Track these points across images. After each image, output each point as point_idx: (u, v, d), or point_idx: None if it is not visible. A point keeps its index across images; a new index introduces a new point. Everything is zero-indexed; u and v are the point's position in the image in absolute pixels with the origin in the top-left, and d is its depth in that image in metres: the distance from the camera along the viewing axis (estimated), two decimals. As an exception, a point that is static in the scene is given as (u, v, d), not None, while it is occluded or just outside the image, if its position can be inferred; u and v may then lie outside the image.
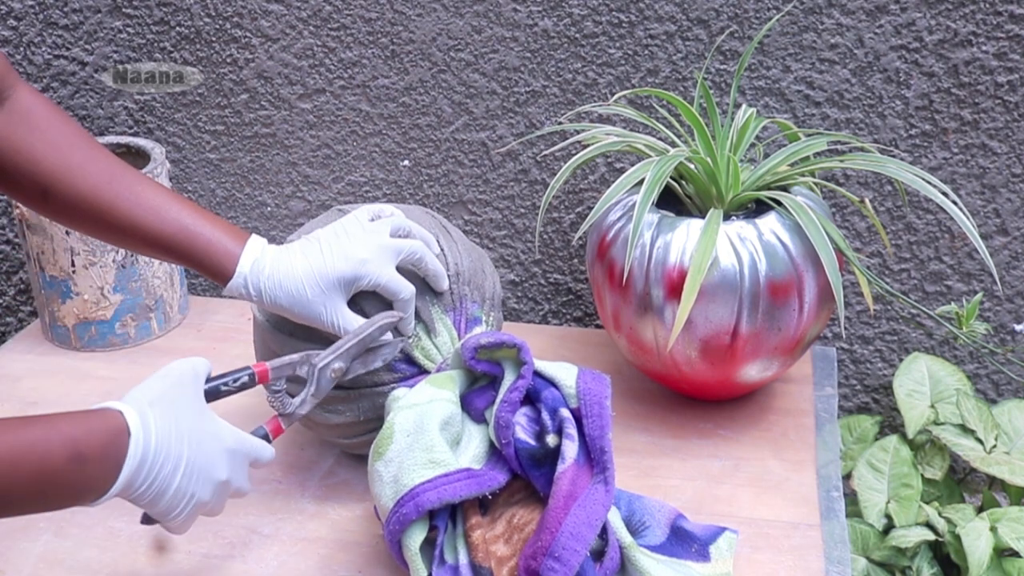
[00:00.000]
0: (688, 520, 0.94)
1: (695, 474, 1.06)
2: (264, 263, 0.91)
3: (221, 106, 1.40)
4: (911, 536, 1.13)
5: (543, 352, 1.28)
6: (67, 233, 1.24)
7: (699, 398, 1.16)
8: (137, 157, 1.34)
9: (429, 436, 0.86)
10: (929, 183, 1.05)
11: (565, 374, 0.90)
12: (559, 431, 0.87)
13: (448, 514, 0.87)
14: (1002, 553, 1.16)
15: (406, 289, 0.93)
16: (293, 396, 0.91)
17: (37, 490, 0.70)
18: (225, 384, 0.86)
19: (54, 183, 0.88)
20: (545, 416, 0.88)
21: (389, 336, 0.94)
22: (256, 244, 0.92)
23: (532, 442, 0.88)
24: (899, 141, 1.25)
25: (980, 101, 1.22)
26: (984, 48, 1.19)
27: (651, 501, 0.95)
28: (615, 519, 0.88)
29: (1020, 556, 1.13)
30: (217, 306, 1.42)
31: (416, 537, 0.85)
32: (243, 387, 0.88)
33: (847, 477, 1.21)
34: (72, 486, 0.72)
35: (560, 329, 1.37)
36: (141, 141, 1.35)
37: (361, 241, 0.92)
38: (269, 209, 1.44)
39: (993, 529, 1.12)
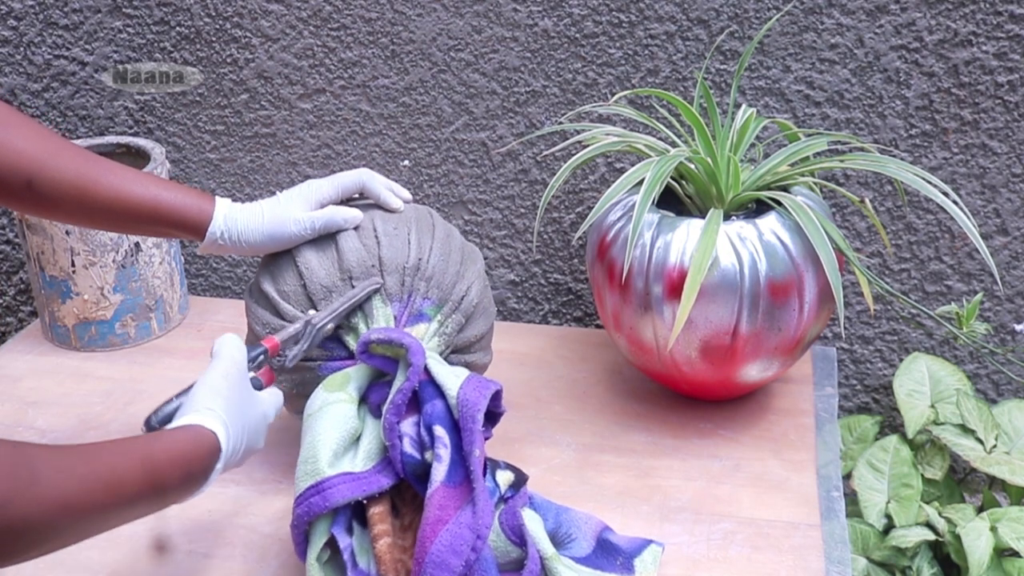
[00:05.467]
0: (615, 533, 0.94)
1: (695, 474, 1.06)
2: (235, 213, 0.99)
3: (221, 106, 1.40)
4: (911, 536, 1.13)
5: (543, 352, 1.28)
6: (67, 233, 1.24)
7: (699, 398, 1.16)
8: (137, 157, 1.34)
9: (311, 447, 0.87)
10: (929, 183, 1.05)
11: (452, 382, 0.88)
12: (434, 446, 0.86)
13: (348, 519, 0.86)
14: (1002, 553, 1.16)
15: (354, 186, 1.02)
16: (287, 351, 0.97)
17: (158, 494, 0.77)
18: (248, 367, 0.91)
19: (39, 170, 0.91)
20: (423, 431, 0.87)
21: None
22: (224, 200, 1.00)
23: (417, 455, 0.87)
24: (899, 141, 1.25)
25: (980, 101, 1.22)
26: (984, 48, 1.19)
27: (578, 513, 0.94)
28: (537, 530, 0.87)
29: (1020, 556, 1.13)
30: (217, 306, 1.42)
31: (314, 547, 0.84)
32: (261, 365, 0.93)
33: (847, 477, 1.21)
34: (178, 492, 0.79)
35: (560, 329, 1.37)
36: (141, 141, 1.35)
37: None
38: (269, 209, 1.44)
39: (993, 529, 1.12)
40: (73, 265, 1.26)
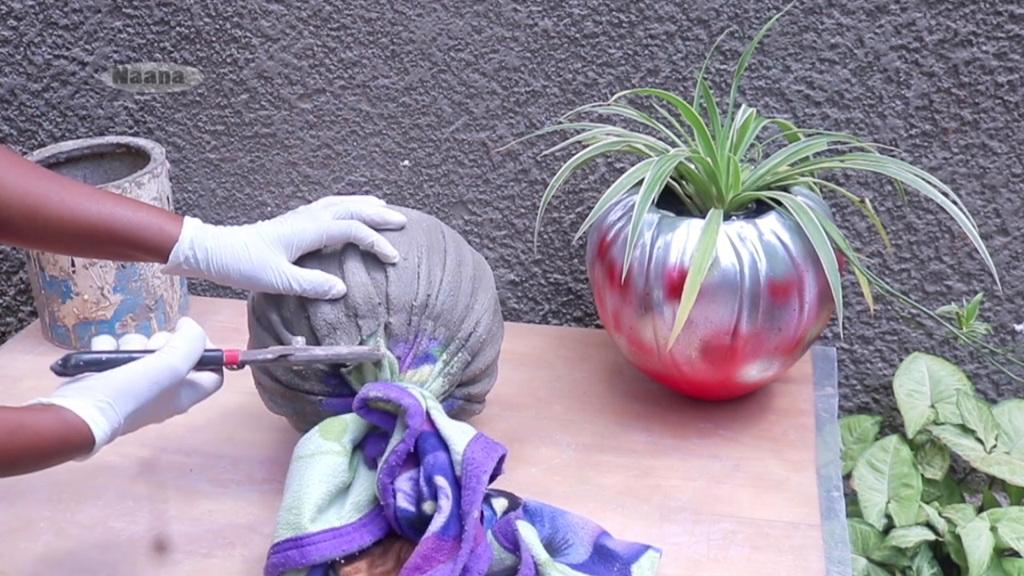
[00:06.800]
0: (612, 538, 0.93)
1: (695, 474, 1.06)
2: (206, 234, 0.93)
3: (221, 106, 1.40)
4: (911, 536, 1.13)
5: (543, 352, 1.28)
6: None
7: (699, 398, 1.16)
8: (137, 157, 1.34)
9: (296, 497, 0.87)
10: (929, 183, 1.05)
11: (459, 437, 0.88)
12: (435, 497, 0.86)
13: (324, 571, 0.86)
14: (1002, 553, 1.16)
15: (341, 238, 0.95)
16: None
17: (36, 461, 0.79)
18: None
19: None
20: (423, 483, 0.87)
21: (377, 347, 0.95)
22: (193, 222, 0.94)
23: (412, 509, 0.87)
24: (899, 141, 1.25)
25: (980, 101, 1.22)
26: (984, 48, 1.19)
27: (574, 517, 0.93)
28: (530, 536, 0.87)
29: (1020, 556, 1.13)
30: (217, 306, 1.42)
31: None
32: (209, 364, 0.89)
33: (847, 477, 1.21)
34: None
35: (560, 329, 1.37)
36: (141, 141, 1.35)
37: (300, 213, 0.98)
38: (269, 209, 1.44)
39: (993, 529, 1.12)
40: (73, 265, 1.26)
